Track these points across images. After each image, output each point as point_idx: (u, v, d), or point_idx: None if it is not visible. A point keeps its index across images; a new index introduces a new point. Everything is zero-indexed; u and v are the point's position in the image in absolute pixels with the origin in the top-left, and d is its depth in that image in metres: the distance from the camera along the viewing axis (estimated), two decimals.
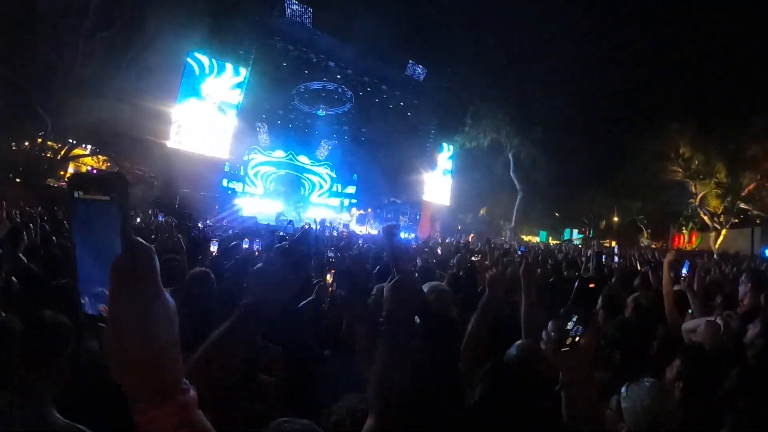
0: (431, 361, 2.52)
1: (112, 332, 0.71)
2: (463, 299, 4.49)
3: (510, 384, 1.89)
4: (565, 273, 8.28)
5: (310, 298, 4.28)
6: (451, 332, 2.69)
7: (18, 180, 21.43)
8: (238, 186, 29.58)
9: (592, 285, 1.49)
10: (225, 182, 28.92)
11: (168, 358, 0.73)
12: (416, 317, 2.76)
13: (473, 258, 8.16)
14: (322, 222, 18.27)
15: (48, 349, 2.01)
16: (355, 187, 34.09)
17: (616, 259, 11.85)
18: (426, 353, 2.55)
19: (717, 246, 30.30)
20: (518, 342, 2.54)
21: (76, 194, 0.76)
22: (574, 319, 1.43)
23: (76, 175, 0.88)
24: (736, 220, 32.32)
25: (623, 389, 2.21)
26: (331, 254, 6.20)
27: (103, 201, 0.76)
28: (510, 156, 34.96)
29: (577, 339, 1.43)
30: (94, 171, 27.33)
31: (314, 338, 3.70)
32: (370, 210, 30.72)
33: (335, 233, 15.73)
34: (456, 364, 2.65)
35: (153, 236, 8.91)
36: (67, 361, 2.04)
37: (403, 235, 25.42)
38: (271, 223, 17.95)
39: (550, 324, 1.47)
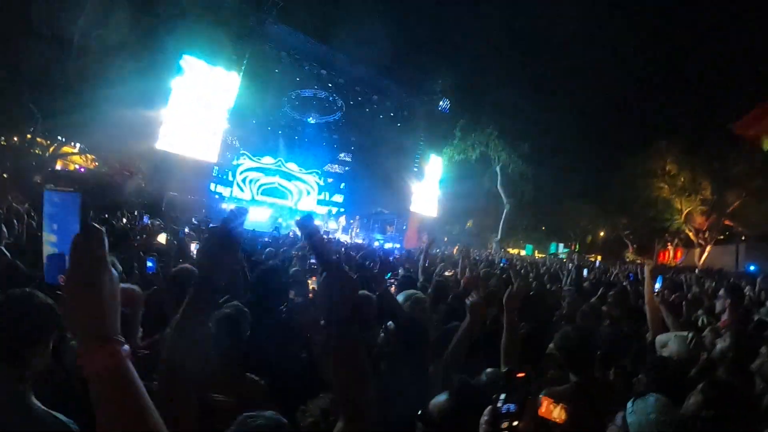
0: (403, 366, 2.56)
1: (66, 288, 0.92)
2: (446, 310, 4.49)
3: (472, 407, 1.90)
4: (548, 286, 8.33)
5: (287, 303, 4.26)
6: (422, 337, 2.74)
7: (5, 175, 21.17)
8: (225, 191, 29.51)
9: (521, 374, 1.52)
10: (213, 186, 28.81)
11: (107, 311, 0.93)
12: (391, 323, 2.82)
13: (447, 273, 8.07)
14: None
15: (33, 329, 1.97)
16: (342, 196, 34.09)
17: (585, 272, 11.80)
18: (399, 358, 2.59)
19: (701, 262, 30.62)
20: (488, 370, 2.57)
21: (48, 186, 1.00)
22: (503, 397, 1.45)
23: (52, 173, 1.13)
24: (721, 237, 32.76)
25: (629, 404, 2.23)
26: (313, 260, 6.19)
27: (69, 192, 1.03)
28: (498, 169, 35.03)
29: (515, 424, 1.45)
30: (82, 169, 27.16)
31: (291, 341, 3.70)
32: (357, 218, 30.74)
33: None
34: (426, 368, 2.69)
35: (138, 237, 8.73)
36: (49, 346, 2.02)
37: (388, 245, 25.46)
38: (256, 230, 17.81)
39: (485, 410, 1.50)
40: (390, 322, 2.90)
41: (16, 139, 23.24)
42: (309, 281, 4.60)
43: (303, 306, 4.16)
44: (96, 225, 0.95)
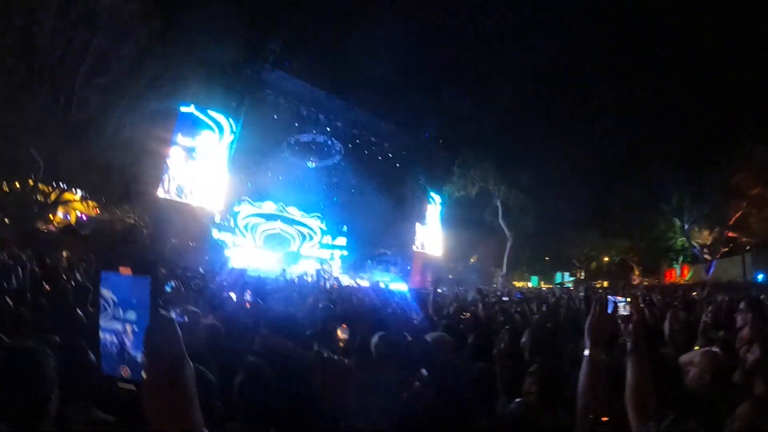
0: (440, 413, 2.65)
1: (149, 385, 0.91)
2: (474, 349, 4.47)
3: None
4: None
5: None
6: (457, 377, 2.84)
7: (7, 221, 20.71)
8: (228, 238, 28.99)
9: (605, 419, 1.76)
10: (215, 233, 28.33)
11: (193, 406, 0.94)
12: (423, 370, 2.98)
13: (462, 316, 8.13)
14: (318, 272, 17.82)
15: (36, 386, 1.75)
16: (345, 239, 33.71)
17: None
18: (434, 407, 2.69)
19: (709, 277, 30.56)
20: (518, 399, 2.73)
21: (110, 268, 0.96)
22: None
23: (107, 252, 1.03)
24: (726, 249, 32.84)
25: None
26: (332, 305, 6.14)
27: (137, 276, 0.95)
28: (498, 203, 35.41)
29: None
30: (84, 217, 26.51)
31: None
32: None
33: (328, 285, 15.35)
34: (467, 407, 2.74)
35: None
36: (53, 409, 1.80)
37: (395, 286, 24.93)
38: (261, 275, 17.32)
39: None
40: (423, 370, 2.95)
41: (18, 185, 22.84)
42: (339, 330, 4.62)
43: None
44: (165, 313, 0.94)
